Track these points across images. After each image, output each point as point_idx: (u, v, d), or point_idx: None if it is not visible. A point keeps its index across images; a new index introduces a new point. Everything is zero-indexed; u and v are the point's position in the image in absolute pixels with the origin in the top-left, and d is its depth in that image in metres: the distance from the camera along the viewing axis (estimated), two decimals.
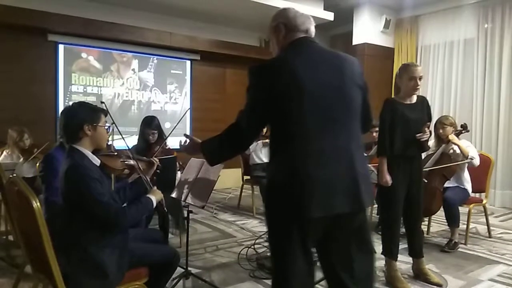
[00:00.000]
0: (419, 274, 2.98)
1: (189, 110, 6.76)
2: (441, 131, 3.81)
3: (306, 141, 1.50)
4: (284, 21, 1.67)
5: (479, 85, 6.22)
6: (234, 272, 3.09)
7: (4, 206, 3.17)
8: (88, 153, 1.93)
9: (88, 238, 1.80)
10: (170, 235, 3.69)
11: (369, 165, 3.27)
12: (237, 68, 7.20)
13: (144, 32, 6.10)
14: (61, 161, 2.30)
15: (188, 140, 1.84)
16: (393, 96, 3.06)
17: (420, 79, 2.80)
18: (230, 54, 6.91)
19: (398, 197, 2.84)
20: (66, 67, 5.77)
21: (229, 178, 6.28)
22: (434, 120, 3.52)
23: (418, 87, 2.82)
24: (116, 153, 2.30)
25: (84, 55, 5.93)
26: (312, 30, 1.69)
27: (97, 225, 1.81)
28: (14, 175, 1.88)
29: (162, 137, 3.69)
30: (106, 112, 2.02)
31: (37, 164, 3.55)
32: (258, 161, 5.07)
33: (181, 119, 3.34)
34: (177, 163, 3.79)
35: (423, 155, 3.67)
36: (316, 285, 1.74)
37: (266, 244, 3.49)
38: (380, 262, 3.17)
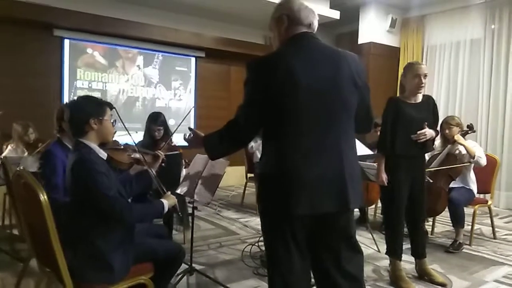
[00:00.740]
0: (423, 274, 2.96)
1: (193, 108, 6.76)
2: (447, 131, 3.79)
3: (297, 137, 1.51)
4: (287, 13, 1.64)
5: (485, 85, 6.19)
6: (238, 269, 3.09)
7: (9, 199, 3.18)
8: (95, 146, 1.92)
9: (95, 232, 1.80)
10: (174, 232, 3.69)
11: (374, 164, 3.27)
12: (242, 65, 7.09)
13: (150, 28, 6.10)
14: (60, 157, 2.31)
15: (192, 134, 1.83)
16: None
17: (425, 77, 2.78)
18: (235, 51, 6.90)
19: (401, 196, 2.82)
20: (71, 62, 5.78)
21: (233, 176, 6.28)
22: (440, 120, 3.50)
23: (423, 85, 2.79)
24: (122, 147, 2.30)
25: (89, 50, 5.93)
26: (315, 24, 1.67)
27: (103, 219, 1.80)
28: (21, 168, 1.87)
29: (167, 134, 3.69)
30: (111, 106, 2.02)
31: None
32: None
33: (186, 116, 3.33)
34: (183, 160, 3.80)
35: (428, 155, 3.67)
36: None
37: None
38: (384, 262, 3.17)
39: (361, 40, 7.14)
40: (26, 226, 1.93)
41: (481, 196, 4.41)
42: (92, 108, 1.92)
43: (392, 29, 7.14)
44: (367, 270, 3.06)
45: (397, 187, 2.81)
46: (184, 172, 3.62)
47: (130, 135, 2.41)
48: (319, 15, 1.74)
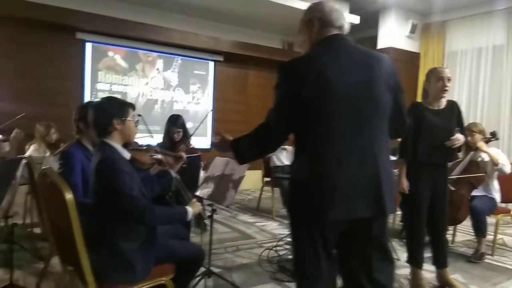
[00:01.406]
0: (443, 284, 2.90)
1: (211, 112, 6.79)
2: (469, 138, 3.70)
3: (329, 142, 1.47)
4: (319, 15, 1.61)
5: (508, 92, 6.07)
6: (255, 273, 3.08)
7: (33, 199, 3.24)
8: (118, 147, 1.94)
9: (117, 233, 1.81)
10: (191, 234, 3.69)
11: (395, 170, 3.22)
12: (260, 70, 7.21)
13: (169, 32, 6.17)
14: (79, 157, 2.33)
15: (219, 138, 1.81)
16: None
17: (448, 80, 2.72)
18: (253, 55, 6.93)
19: (421, 204, 2.76)
20: (93, 65, 5.88)
21: (249, 180, 6.20)
22: None
23: (447, 88, 2.72)
24: (144, 148, 2.32)
25: (110, 53, 6.03)
26: (346, 27, 1.64)
27: (125, 220, 1.81)
28: (47, 166, 1.90)
29: (186, 136, 3.71)
30: (134, 106, 2.04)
31: None
32: (278, 163, 5.05)
33: (204, 119, 3.35)
34: (201, 162, 3.81)
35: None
36: None
37: (287, 246, 3.47)
38: (405, 270, 3.11)
39: (381, 45, 7.08)
40: (49, 225, 1.96)
41: (504, 205, 4.30)
42: (115, 109, 1.94)
43: (412, 35, 7.07)
44: None
45: (418, 194, 2.75)
46: (202, 174, 3.64)
47: (152, 136, 2.44)
48: None
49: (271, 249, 3.41)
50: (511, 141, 6.00)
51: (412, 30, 7.03)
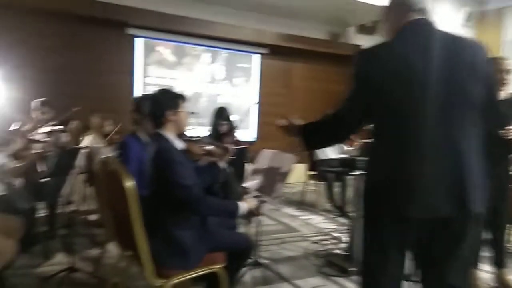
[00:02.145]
0: (502, 285, 2.75)
1: (257, 104, 6.82)
2: None
3: (409, 134, 1.38)
4: (396, 0, 1.55)
5: None
6: (301, 266, 3.07)
7: (89, 187, 3.41)
8: (172, 137, 2.00)
9: (172, 222, 1.87)
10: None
11: None
12: (304, 62, 7.12)
13: (214, 26, 6.24)
14: (133, 148, 2.42)
15: (288, 122, 1.76)
16: None
17: (508, 72, 2.57)
18: (298, 47, 6.84)
19: None
20: (142, 59, 6.07)
21: (293, 173, 6.24)
22: None
23: (505, 81, 2.59)
24: (195, 139, 2.37)
25: (158, 48, 6.19)
26: (428, 9, 1.52)
27: (180, 210, 1.87)
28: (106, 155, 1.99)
29: (232, 128, 3.76)
30: (184, 98, 2.09)
31: None
32: (323, 157, 4.97)
33: (249, 111, 3.36)
34: (247, 155, 3.85)
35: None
36: None
37: (334, 241, 3.44)
38: None
39: None
40: (109, 212, 2.05)
41: None
42: (169, 101, 2.01)
43: (466, 23, 6.70)
44: None
45: None
46: (249, 166, 3.66)
47: (200, 129, 2.48)
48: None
49: (317, 242, 3.38)
50: None
51: (468, 18, 6.67)
